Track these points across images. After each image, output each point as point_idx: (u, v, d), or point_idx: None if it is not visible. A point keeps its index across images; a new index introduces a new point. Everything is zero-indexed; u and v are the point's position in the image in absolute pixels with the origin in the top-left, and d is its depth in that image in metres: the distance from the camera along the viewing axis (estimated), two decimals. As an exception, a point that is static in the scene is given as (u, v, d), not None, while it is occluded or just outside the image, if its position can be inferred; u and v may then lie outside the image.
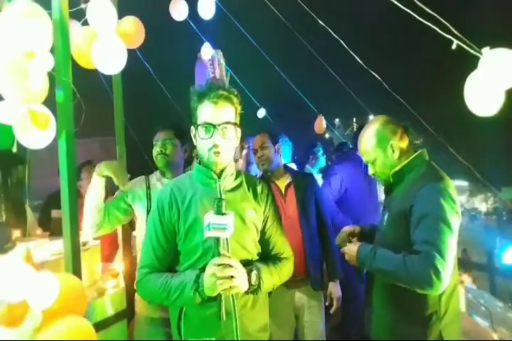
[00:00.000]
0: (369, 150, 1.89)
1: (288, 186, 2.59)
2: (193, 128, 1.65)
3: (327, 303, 2.58)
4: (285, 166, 2.72)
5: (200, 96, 1.59)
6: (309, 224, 2.54)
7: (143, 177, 2.37)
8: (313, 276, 2.49)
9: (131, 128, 3.65)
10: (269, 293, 1.80)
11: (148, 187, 2.29)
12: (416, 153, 1.84)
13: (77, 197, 1.89)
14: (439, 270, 1.52)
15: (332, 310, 2.57)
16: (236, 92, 1.63)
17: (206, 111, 1.57)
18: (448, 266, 1.54)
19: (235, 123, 1.61)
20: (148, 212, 2.22)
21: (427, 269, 1.53)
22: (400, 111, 2.91)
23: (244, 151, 3.81)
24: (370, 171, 1.95)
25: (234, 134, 1.62)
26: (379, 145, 1.86)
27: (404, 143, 1.86)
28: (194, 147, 2.44)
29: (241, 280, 1.49)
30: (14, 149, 2.61)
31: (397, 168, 1.84)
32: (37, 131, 1.72)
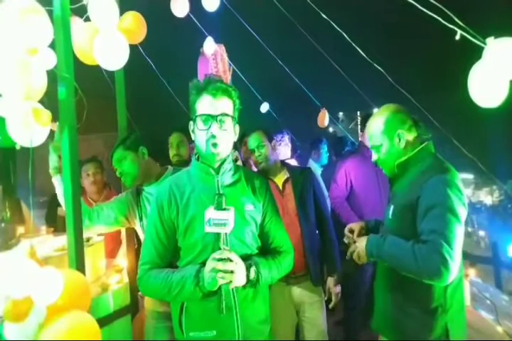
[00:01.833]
0: (375, 135, 1.87)
1: (286, 182, 2.57)
2: (191, 122, 1.65)
3: (326, 298, 2.57)
4: (282, 162, 2.70)
5: (199, 89, 1.60)
6: (308, 219, 2.52)
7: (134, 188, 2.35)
8: (312, 272, 2.48)
9: (135, 123, 3.64)
10: (270, 287, 1.80)
11: (138, 195, 2.28)
12: (422, 145, 1.82)
13: (80, 193, 1.89)
14: (446, 259, 1.50)
15: (331, 305, 2.57)
16: (234, 87, 1.64)
17: (204, 103, 1.58)
18: (456, 255, 1.52)
19: (232, 117, 1.62)
20: (140, 219, 2.22)
21: (434, 258, 1.51)
22: (404, 104, 2.88)
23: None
24: (374, 157, 1.92)
25: (232, 127, 1.62)
26: (386, 132, 1.84)
27: (412, 135, 1.83)
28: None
29: (240, 276, 1.50)
30: (17, 146, 2.61)
31: (402, 159, 1.82)
32: (34, 129, 1.72)
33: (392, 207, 1.84)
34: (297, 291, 2.50)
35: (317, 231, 2.63)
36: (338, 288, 2.58)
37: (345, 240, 2.04)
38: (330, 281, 2.57)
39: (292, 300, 2.51)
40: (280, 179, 2.59)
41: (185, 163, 2.86)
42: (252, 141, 2.60)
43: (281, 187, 2.55)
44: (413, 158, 1.80)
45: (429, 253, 1.53)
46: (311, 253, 2.49)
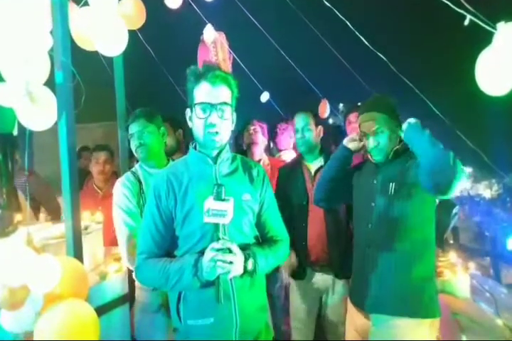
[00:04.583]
0: (384, 119, 1.92)
1: (318, 170, 2.45)
2: (188, 110, 1.64)
3: None
4: (322, 148, 2.57)
5: (197, 76, 1.58)
6: (335, 210, 2.39)
7: (129, 174, 2.27)
8: (335, 265, 2.38)
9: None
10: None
11: (139, 182, 2.22)
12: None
13: (77, 181, 1.88)
14: (463, 174, 1.62)
15: None
16: (233, 76, 1.63)
17: (203, 91, 1.56)
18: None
19: (231, 105, 1.61)
20: (143, 205, 2.16)
21: (458, 167, 1.60)
22: (408, 95, 2.85)
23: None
24: (373, 142, 1.94)
25: (230, 115, 1.61)
26: (395, 118, 1.93)
27: None
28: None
29: (238, 266, 1.50)
30: (15, 132, 2.58)
31: (398, 146, 1.93)
32: (39, 113, 1.71)
33: (393, 186, 1.89)
34: (323, 278, 2.42)
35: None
36: None
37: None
38: None
39: (316, 284, 2.43)
40: (314, 166, 2.50)
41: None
42: (299, 120, 2.48)
43: (313, 175, 2.46)
44: (401, 149, 1.94)
45: (457, 161, 1.63)
46: (336, 244, 2.39)
